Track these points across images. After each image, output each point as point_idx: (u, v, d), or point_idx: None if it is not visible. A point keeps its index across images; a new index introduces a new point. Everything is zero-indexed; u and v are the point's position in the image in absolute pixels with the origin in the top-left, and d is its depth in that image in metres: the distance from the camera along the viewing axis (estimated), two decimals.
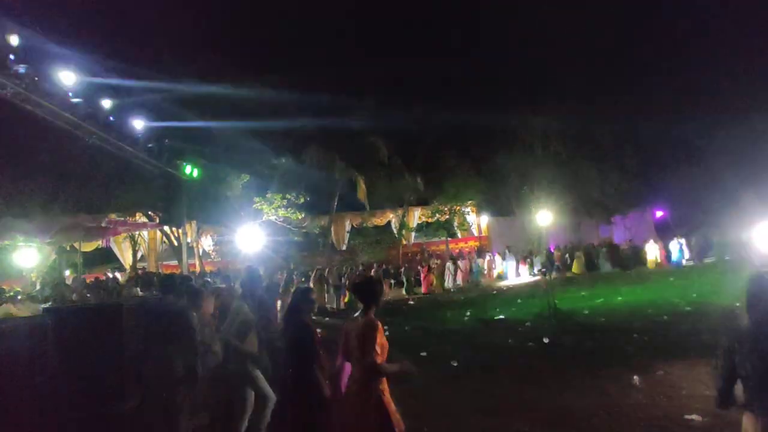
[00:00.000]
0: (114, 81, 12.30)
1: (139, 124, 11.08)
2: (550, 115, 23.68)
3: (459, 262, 21.12)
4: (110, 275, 17.86)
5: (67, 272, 19.42)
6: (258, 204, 19.28)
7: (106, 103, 9.95)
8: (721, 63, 26.07)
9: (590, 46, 35.45)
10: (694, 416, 4.33)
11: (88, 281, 16.12)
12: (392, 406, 3.14)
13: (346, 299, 16.82)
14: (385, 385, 3.15)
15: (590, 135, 24.01)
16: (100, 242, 19.42)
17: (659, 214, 29.25)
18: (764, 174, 20.82)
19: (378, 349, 3.04)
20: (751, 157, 22.19)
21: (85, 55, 12.89)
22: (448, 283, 20.24)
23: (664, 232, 26.66)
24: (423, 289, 19.85)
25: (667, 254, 20.79)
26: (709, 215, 24.49)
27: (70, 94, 8.72)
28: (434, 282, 19.95)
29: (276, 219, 19.91)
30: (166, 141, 11.90)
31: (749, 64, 23.51)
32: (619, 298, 12.31)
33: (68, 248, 18.27)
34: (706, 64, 26.71)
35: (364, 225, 27.33)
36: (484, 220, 28.15)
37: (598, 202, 24.80)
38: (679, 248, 20.71)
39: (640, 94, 26.99)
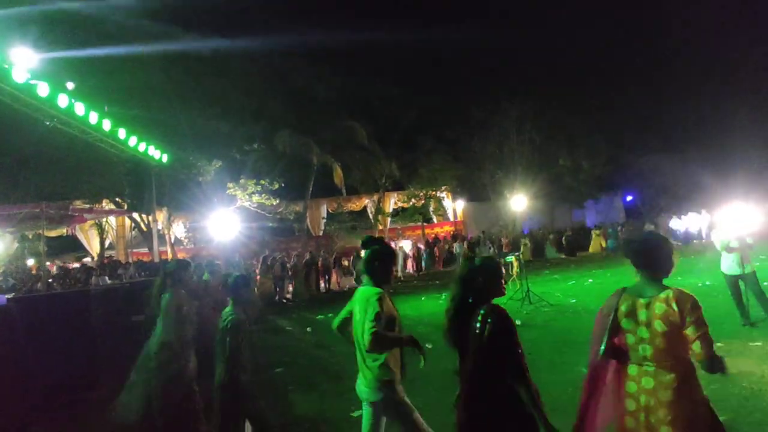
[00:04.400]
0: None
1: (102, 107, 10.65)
2: (524, 102, 23.93)
3: (407, 251, 21.04)
4: (78, 264, 17.32)
5: (31, 261, 18.75)
6: (231, 190, 18.91)
7: (69, 85, 9.52)
8: (689, 53, 26.73)
9: (563, 35, 35.76)
10: None
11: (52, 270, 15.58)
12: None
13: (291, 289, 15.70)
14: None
15: (561, 122, 24.39)
16: (64, 230, 18.74)
17: (629, 198, 30.14)
18: (728, 160, 21.61)
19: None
20: (716, 143, 22.95)
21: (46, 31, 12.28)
22: (399, 271, 19.87)
23: (633, 216, 27.51)
24: None
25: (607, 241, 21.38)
26: (676, 199, 25.37)
27: (29, 74, 8.27)
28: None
29: (250, 205, 19.59)
30: (134, 124, 11.47)
31: (718, 53, 24.19)
32: (590, 281, 12.67)
33: (31, 237, 17.58)
34: (675, 54, 27.36)
35: (340, 210, 27.21)
36: (460, 205, 28.39)
37: (571, 187, 25.31)
38: (612, 236, 21.33)
39: (609, 81, 27.50)
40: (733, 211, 6.65)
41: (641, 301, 2.30)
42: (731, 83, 23.11)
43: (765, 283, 6.75)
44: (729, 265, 6.53)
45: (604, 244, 21.18)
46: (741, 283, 6.44)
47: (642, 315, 2.27)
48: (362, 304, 2.85)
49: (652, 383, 2.22)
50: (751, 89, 22.44)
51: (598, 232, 21.83)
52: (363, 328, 2.77)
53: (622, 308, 2.36)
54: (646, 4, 33.42)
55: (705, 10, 27.56)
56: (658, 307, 2.22)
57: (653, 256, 2.36)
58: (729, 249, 6.47)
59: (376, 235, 3.08)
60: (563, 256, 20.88)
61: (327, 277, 17.75)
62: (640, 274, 2.38)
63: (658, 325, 2.20)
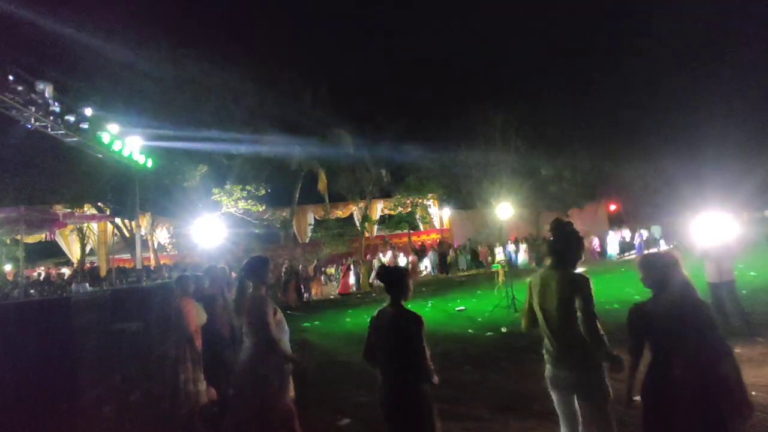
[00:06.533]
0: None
1: (88, 111, 10.50)
2: (509, 111, 24.23)
3: (383, 259, 21.11)
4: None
5: (8, 267, 18.28)
6: (217, 196, 18.71)
7: (50, 88, 9.35)
8: (667, 62, 27.44)
9: (545, 46, 36.44)
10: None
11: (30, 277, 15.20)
12: None
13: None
14: None
15: (544, 131, 24.71)
16: (43, 236, 18.31)
17: (613, 207, 30.60)
18: (703, 168, 22.13)
19: None
20: (692, 152, 23.48)
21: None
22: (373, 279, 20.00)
23: (617, 224, 27.93)
24: (338, 289, 18.46)
25: None
26: (657, 208, 25.84)
27: (11, 78, 8.13)
28: (353, 281, 18.92)
29: (236, 211, 19.40)
30: (117, 129, 11.29)
31: (695, 63, 24.83)
32: None
33: (8, 241, 17.15)
34: (652, 63, 28.09)
35: (327, 217, 27.13)
36: (446, 213, 28.50)
37: (556, 195, 25.59)
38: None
39: (589, 90, 28.06)
40: (712, 219, 6.78)
41: None
42: (709, 92, 23.75)
43: (744, 292, 6.90)
44: (709, 272, 6.65)
45: None
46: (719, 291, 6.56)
47: None
48: (567, 286, 2.88)
49: None
50: (727, 98, 23.08)
51: None
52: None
53: None
54: (628, 17, 34.32)
55: (683, 23, 28.35)
56: None
57: None
58: (708, 257, 6.60)
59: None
60: (533, 265, 21.07)
61: (306, 287, 17.57)
62: None
63: None
